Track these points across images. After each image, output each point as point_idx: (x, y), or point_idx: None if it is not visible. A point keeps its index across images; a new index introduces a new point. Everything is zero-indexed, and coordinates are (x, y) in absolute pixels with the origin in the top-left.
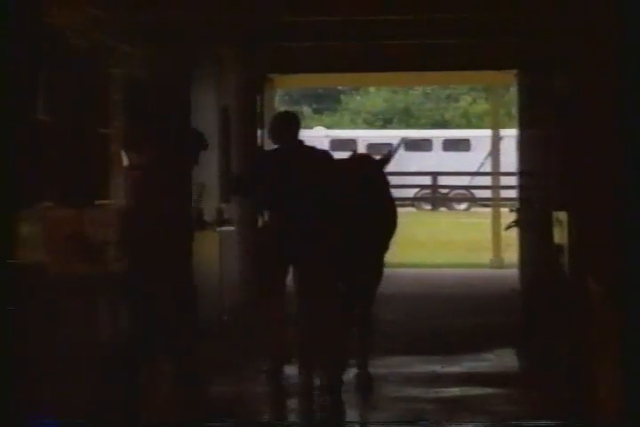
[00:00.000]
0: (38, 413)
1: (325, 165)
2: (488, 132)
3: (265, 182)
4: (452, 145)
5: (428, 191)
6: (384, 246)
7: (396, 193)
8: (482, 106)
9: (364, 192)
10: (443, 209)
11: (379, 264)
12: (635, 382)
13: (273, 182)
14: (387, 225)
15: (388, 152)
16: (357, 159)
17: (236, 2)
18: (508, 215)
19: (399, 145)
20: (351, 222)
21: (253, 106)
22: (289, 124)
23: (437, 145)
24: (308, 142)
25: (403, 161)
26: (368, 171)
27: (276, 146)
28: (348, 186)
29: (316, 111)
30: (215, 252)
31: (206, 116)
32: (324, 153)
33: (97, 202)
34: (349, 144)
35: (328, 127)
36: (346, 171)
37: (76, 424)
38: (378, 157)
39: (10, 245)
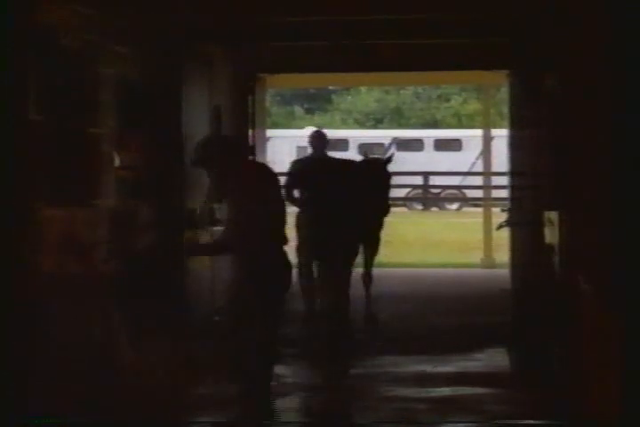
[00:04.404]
0: (35, 412)
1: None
2: (479, 132)
3: (302, 183)
4: (443, 145)
5: (419, 191)
6: (381, 225)
7: None
8: (473, 106)
9: (370, 186)
10: (434, 209)
11: (378, 237)
12: (632, 382)
13: (309, 182)
14: (383, 210)
15: (390, 155)
16: (368, 161)
17: (228, 1)
18: (499, 215)
19: (390, 145)
20: (362, 208)
21: (245, 106)
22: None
23: (429, 145)
24: (300, 142)
25: (394, 161)
26: (375, 169)
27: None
28: (359, 182)
29: (308, 111)
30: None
31: (198, 115)
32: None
33: (88, 202)
34: (341, 144)
35: (319, 127)
36: (358, 170)
37: (76, 424)
38: (382, 158)
39: (3, 246)
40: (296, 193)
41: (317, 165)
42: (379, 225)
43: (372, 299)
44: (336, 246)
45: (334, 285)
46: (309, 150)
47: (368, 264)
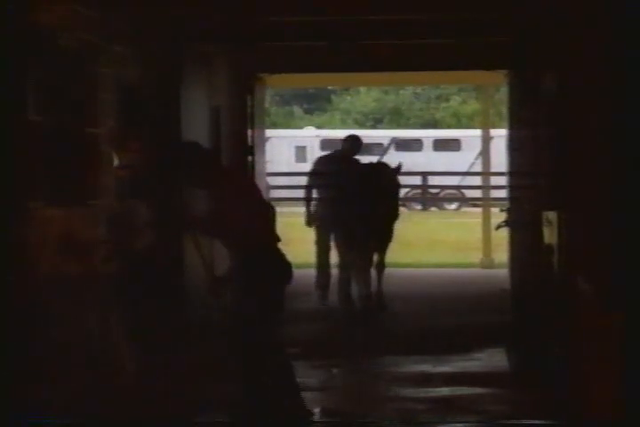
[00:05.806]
0: (37, 412)
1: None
2: (478, 132)
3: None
4: (442, 145)
5: (418, 191)
6: (394, 219)
7: None
8: (472, 106)
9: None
10: (433, 209)
11: (391, 230)
12: (633, 382)
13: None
14: (395, 207)
15: (399, 164)
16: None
17: (227, 1)
18: (498, 215)
19: (389, 145)
20: (377, 206)
21: (244, 105)
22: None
23: (428, 145)
24: (299, 142)
25: (393, 161)
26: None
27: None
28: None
29: (307, 111)
30: (205, 250)
31: (197, 115)
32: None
33: (87, 202)
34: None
35: (318, 127)
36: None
37: (76, 424)
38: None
39: (3, 246)
40: (314, 192)
41: (337, 163)
42: (391, 221)
43: (383, 285)
44: (354, 240)
45: (359, 273)
46: (308, 151)
47: (381, 254)
